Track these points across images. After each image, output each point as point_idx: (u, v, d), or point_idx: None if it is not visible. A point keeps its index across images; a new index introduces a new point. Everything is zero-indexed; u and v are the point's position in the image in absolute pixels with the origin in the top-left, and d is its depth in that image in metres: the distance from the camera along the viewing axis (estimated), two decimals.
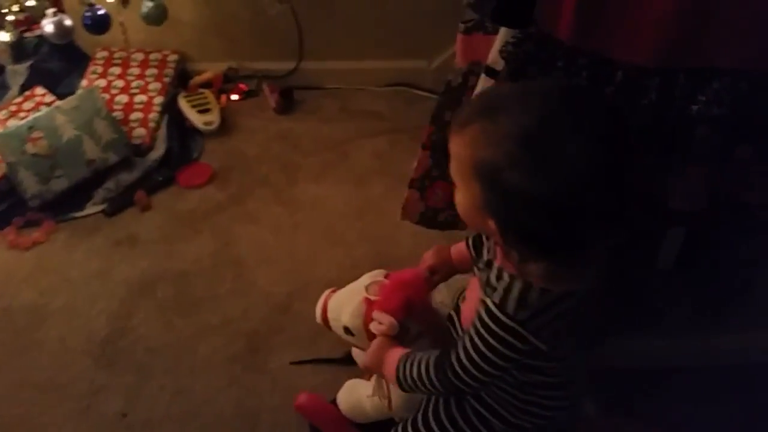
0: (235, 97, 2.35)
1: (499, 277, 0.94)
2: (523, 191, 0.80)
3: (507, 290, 0.90)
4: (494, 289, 0.92)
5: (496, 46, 1.10)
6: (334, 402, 1.38)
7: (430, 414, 1.13)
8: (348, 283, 1.30)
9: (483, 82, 1.15)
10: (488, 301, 0.92)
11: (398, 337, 1.12)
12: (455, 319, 1.21)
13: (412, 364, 1.03)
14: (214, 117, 2.21)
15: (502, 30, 1.09)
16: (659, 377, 1.50)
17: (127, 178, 2.00)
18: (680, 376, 1.50)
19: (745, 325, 1.47)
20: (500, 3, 1.04)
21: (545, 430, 1.09)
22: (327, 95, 2.41)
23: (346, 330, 1.23)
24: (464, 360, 0.95)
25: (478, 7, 1.21)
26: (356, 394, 1.34)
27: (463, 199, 0.92)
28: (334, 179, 2.06)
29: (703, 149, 1.02)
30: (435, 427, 1.11)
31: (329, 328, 1.30)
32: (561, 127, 0.80)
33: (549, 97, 0.83)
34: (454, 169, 0.92)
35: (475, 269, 1.08)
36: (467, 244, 1.20)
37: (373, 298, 1.19)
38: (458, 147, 0.89)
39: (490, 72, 1.13)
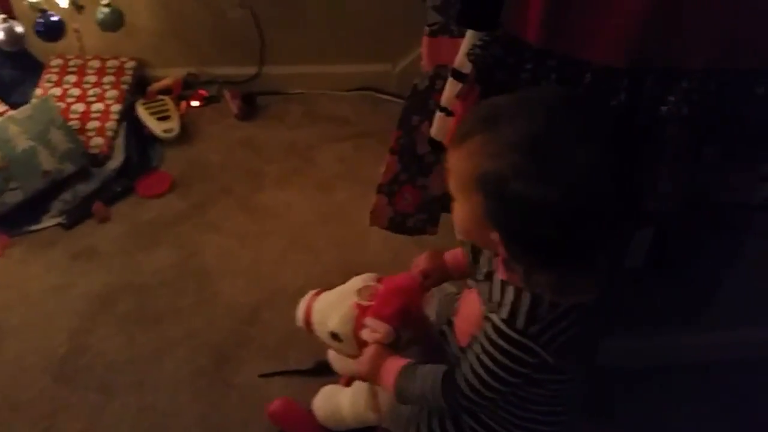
0: (195, 103, 2.30)
1: (503, 291, 0.92)
2: (530, 200, 0.80)
3: (515, 305, 0.89)
4: (500, 305, 0.91)
5: (462, 50, 1.08)
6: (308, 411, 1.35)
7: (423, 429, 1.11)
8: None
9: (450, 86, 1.13)
10: (495, 318, 0.90)
11: (392, 344, 1.08)
12: (447, 333, 1.17)
13: (414, 380, 1.01)
14: (173, 124, 2.16)
15: (469, 33, 1.07)
16: (634, 377, 1.50)
17: (84, 188, 1.93)
18: (656, 376, 1.51)
19: (717, 324, 1.48)
20: (465, 6, 1.03)
21: None
22: (290, 100, 2.37)
23: (333, 336, 1.17)
24: (472, 379, 0.93)
25: (443, 10, 1.19)
26: (334, 401, 1.31)
27: (462, 211, 0.91)
28: (300, 185, 2.02)
29: (674, 149, 1.01)
30: None
31: (311, 332, 1.24)
32: (566, 134, 0.80)
33: (551, 104, 0.83)
34: (454, 183, 0.91)
35: (472, 281, 1.06)
36: (464, 249, 1.18)
37: (365, 303, 1.14)
38: (458, 160, 0.88)
39: (457, 75, 1.11)
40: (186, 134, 2.19)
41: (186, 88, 2.33)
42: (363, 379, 1.15)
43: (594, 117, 0.84)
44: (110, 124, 2.08)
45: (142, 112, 2.17)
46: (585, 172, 0.79)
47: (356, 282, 1.20)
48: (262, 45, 2.31)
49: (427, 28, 1.24)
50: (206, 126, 2.24)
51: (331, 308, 1.19)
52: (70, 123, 2.01)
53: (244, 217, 1.92)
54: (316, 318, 1.21)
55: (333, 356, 1.33)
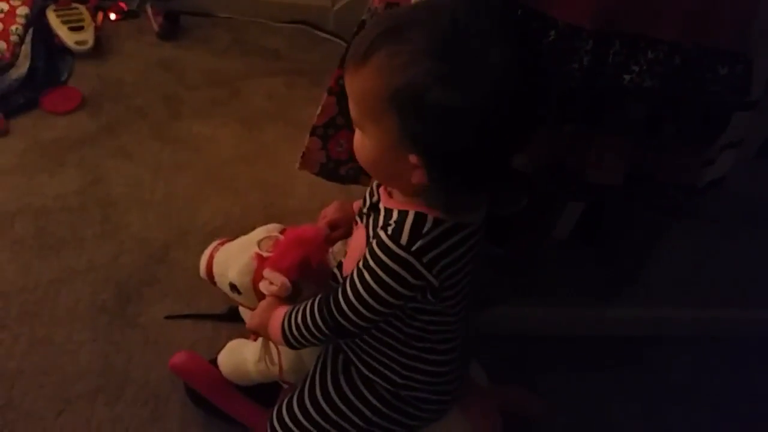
0: (113, 16, 2.11)
1: (388, 216, 0.88)
2: (451, 107, 0.74)
3: (400, 222, 0.85)
4: (386, 225, 0.86)
5: None
6: (213, 361, 1.27)
7: (317, 383, 1.06)
8: (235, 233, 1.18)
9: None
10: (381, 234, 0.85)
11: (290, 298, 1.03)
12: (338, 275, 1.12)
13: (297, 312, 0.96)
14: (87, 36, 1.97)
15: None
16: (549, 345, 1.50)
17: None
18: (571, 345, 1.52)
19: (637, 300, 1.50)
20: None
21: (436, 394, 1.04)
22: (218, 24, 2.21)
23: (233, 287, 1.13)
24: (350, 296, 0.89)
25: None
26: (240, 356, 1.24)
27: (372, 140, 0.83)
28: (223, 119, 1.89)
29: (630, 122, 0.98)
30: (319, 395, 1.05)
31: (214, 283, 1.18)
32: (477, 33, 0.75)
33: (454, 8, 0.76)
34: (359, 110, 0.83)
35: (358, 218, 1.00)
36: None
37: (265, 254, 1.08)
38: (363, 82, 0.79)
39: None
40: (100, 49, 2.00)
41: None
42: (255, 332, 1.09)
43: (498, 18, 0.79)
44: (15, 28, 1.86)
45: (53, 19, 1.96)
46: (499, 72, 0.74)
47: (259, 232, 1.15)
48: None
49: None
50: (123, 42, 2.06)
51: (231, 259, 1.13)
52: None
53: (159, 145, 1.78)
54: (217, 269, 1.15)
55: (242, 308, 1.27)
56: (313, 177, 1.43)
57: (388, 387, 1.02)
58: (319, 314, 0.93)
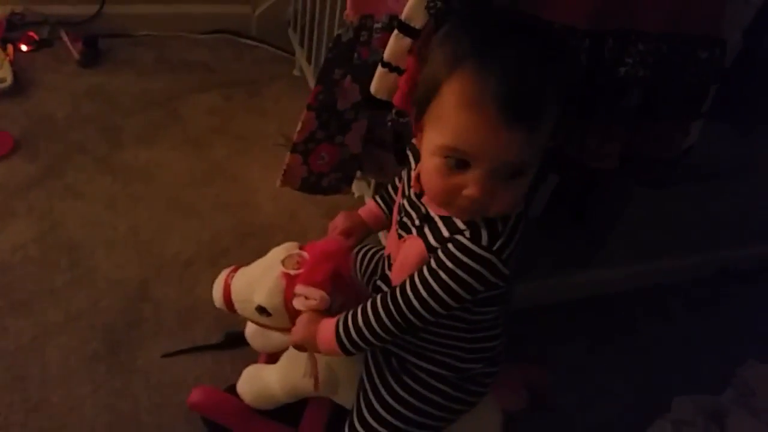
0: (24, 47, 1.99)
1: (449, 223, 0.90)
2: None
3: (473, 225, 0.88)
4: (455, 232, 0.89)
5: (413, 1, 1.02)
6: (230, 390, 1.26)
7: (380, 390, 1.07)
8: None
9: (396, 40, 1.05)
10: (460, 238, 0.87)
11: (325, 310, 1.03)
12: (383, 287, 1.13)
13: (354, 315, 0.97)
14: (4, 73, 1.85)
15: None
16: (532, 314, 1.58)
17: None
18: (548, 314, 1.60)
19: (607, 263, 1.60)
20: None
21: (492, 366, 1.09)
22: (138, 43, 2.13)
23: (261, 310, 1.10)
24: (422, 291, 0.90)
25: None
26: (260, 382, 1.22)
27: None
28: (168, 142, 1.84)
29: (627, 110, 1.05)
30: (391, 400, 1.06)
31: (233, 311, 1.16)
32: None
33: (505, 16, 0.91)
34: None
35: (402, 231, 1.01)
36: (377, 202, 1.15)
37: (293, 272, 1.07)
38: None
39: (406, 29, 1.04)
40: (20, 85, 1.89)
41: (10, 29, 2.00)
42: (298, 348, 1.10)
43: None
44: None
45: None
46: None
47: (278, 252, 1.12)
48: None
49: None
50: (43, 74, 1.95)
51: (255, 283, 1.11)
52: None
53: (109, 179, 1.71)
54: (238, 296, 1.13)
55: (251, 333, 1.26)
56: (274, 189, 1.43)
57: (454, 373, 1.05)
58: (386, 315, 0.94)
